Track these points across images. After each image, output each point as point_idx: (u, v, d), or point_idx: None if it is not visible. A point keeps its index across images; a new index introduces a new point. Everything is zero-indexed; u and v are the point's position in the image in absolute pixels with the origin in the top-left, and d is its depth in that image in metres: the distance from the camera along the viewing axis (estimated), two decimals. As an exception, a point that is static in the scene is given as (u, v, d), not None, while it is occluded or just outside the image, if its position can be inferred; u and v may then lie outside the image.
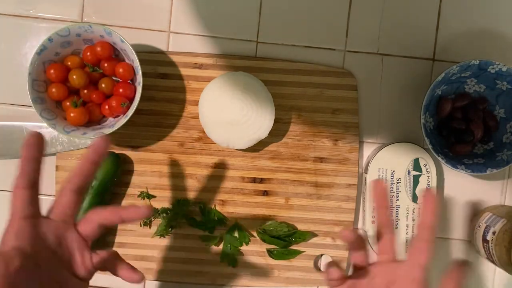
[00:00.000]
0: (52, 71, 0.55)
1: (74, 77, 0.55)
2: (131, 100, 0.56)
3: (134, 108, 0.54)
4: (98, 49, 0.55)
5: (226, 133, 0.56)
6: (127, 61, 0.58)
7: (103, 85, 0.57)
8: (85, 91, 0.57)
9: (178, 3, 0.61)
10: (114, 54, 0.58)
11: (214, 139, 0.57)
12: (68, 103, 0.56)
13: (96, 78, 0.57)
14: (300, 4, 0.61)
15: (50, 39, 0.54)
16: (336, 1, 0.61)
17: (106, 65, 0.57)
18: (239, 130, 0.56)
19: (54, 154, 0.60)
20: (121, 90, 0.56)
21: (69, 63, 0.56)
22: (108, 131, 0.54)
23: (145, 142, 0.60)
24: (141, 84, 0.54)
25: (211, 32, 0.61)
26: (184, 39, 0.61)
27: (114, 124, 0.55)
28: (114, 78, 0.58)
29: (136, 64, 0.55)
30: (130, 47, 0.54)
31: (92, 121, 0.58)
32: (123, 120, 0.55)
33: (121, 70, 0.56)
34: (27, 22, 0.61)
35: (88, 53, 0.56)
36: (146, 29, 0.61)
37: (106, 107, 0.57)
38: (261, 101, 0.56)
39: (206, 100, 0.57)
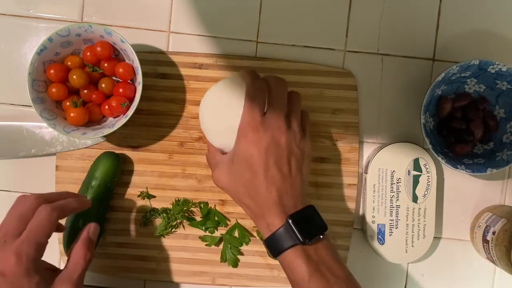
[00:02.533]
0: (52, 71, 0.55)
1: (74, 77, 0.55)
2: (131, 100, 0.56)
3: (134, 108, 0.54)
4: (98, 49, 0.55)
5: (227, 139, 0.56)
6: (127, 61, 0.58)
7: (103, 85, 0.57)
8: (85, 91, 0.57)
9: (178, 3, 0.61)
10: (114, 54, 0.58)
11: (215, 145, 0.56)
12: (68, 103, 0.56)
13: (96, 78, 0.57)
14: (300, 4, 0.61)
15: (50, 39, 0.53)
16: (336, 1, 0.61)
17: (106, 65, 0.57)
18: None
19: (54, 154, 0.60)
20: (121, 90, 0.56)
21: (69, 63, 0.56)
22: (108, 131, 0.54)
23: (145, 142, 0.60)
24: (141, 84, 0.54)
25: (211, 32, 0.61)
26: (184, 39, 0.61)
27: (114, 124, 0.55)
28: (114, 78, 0.58)
29: (136, 64, 0.54)
30: (130, 47, 0.54)
31: (92, 121, 0.58)
32: (123, 120, 0.54)
33: (121, 70, 0.56)
34: (27, 22, 0.61)
35: (88, 53, 0.56)
36: (146, 29, 0.61)
37: (106, 107, 0.57)
38: None
39: (206, 107, 0.56)
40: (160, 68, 0.60)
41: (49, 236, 0.44)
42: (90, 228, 0.49)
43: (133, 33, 0.61)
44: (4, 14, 0.61)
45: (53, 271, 0.47)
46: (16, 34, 0.61)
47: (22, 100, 0.61)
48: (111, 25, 0.60)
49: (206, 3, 0.61)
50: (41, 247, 0.43)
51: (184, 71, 0.60)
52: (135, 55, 0.54)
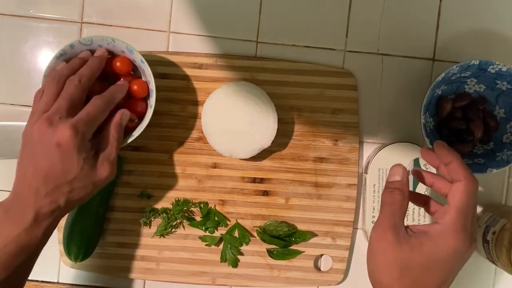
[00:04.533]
0: None
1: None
2: (140, 118, 0.56)
3: (142, 129, 0.54)
4: (118, 64, 0.55)
5: (230, 143, 0.56)
6: (143, 79, 0.57)
7: None
8: None
9: (178, 3, 0.61)
10: (132, 70, 0.57)
11: (218, 149, 0.57)
12: None
13: None
14: (300, 4, 0.61)
15: (71, 46, 0.53)
16: (336, 1, 0.61)
17: (122, 80, 0.56)
18: (242, 140, 0.56)
19: (54, 154, 0.60)
20: (132, 106, 0.56)
21: None
22: None
23: (145, 142, 0.60)
24: (153, 107, 0.54)
25: (211, 32, 0.61)
26: (184, 39, 0.61)
27: None
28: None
29: (152, 86, 0.54)
30: (149, 69, 0.53)
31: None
32: (128, 138, 0.54)
33: (135, 87, 0.56)
34: (27, 22, 0.61)
35: (106, 65, 0.56)
36: (146, 29, 0.61)
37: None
38: (264, 110, 0.56)
39: (209, 110, 0.57)
40: (160, 68, 0.60)
41: (101, 120, 0.49)
42: (123, 113, 0.52)
43: (133, 33, 0.61)
44: (4, 14, 0.61)
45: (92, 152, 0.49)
46: (16, 34, 0.61)
47: (22, 100, 0.61)
48: (111, 25, 0.61)
49: (206, 3, 0.61)
50: (94, 127, 0.48)
51: (184, 71, 0.60)
52: (153, 78, 0.53)
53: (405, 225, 0.42)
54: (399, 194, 0.42)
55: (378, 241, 0.41)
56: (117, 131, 0.51)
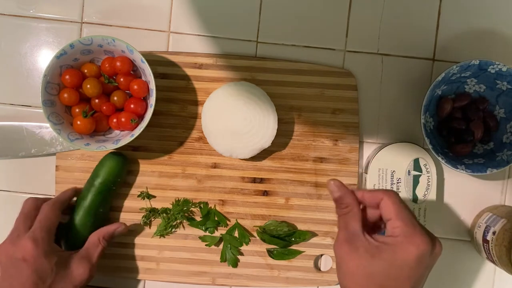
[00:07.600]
0: (67, 76, 0.54)
1: (88, 86, 0.55)
2: (141, 117, 0.56)
3: (142, 129, 0.54)
4: (118, 63, 0.55)
5: (230, 143, 0.56)
6: (143, 79, 0.57)
7: (115, 98, 0.57)
8: (97, 100, 0.56)
9: (178, 3, 0.61)
10: (132, 70, 0.57)
11: (218, 149, 0.57)
12: (77, 110, 0.56)
13: (109, 89, 0.57)
14: (300, 4, 0.61)
15: (71, 45, 0.53)
16: (336, 1, 0.61)
17: (122, 79, 0.56)
18: (242, 140, 0.56)
19: (54, 154, 0.60)
20: (132, 106, 0.56)
21: (85, 71, 0.56)
22: (111, 147, 0.54)
23: (145, 142, 0.60)
24: (153, 107, 0.54)
25: (211, 32, 0.61)
26: (184, 39, 0.61)
27: (119, 140, 0.55)
28: (127, 92, 0.58)
29: (152, 86, 0.54)
30: (149, 69, 0.53)
31: (97, 131, 0.57)
32: (128, 138, 0.54)
33: (135, 86, 0.56)
34: (27, 22, 0.61)
35: (106, 64, 0.56)
36: (146, 29, 0.61)
37: (115, 120, 0.56)
38: (264, 110, 0.56)
39: (209, 110, 0.57)
40: (160, 68, 0.60)
41: (55, 223, 0.52)
42: (120, 227, 0.57)
43: (133, 33, 0.61)
44: (4, 14, 0.61)
45: (67, 252, 0.53)
46: (16, 34, 0.61)
47: (22, 100, 0.61)
48: (111, 25, 0.61)
49: (206, 3, 0.61)
50: (51, 231, 0.52)
51: (184, 71, 0.60)
52: (153, 78, 0.53)
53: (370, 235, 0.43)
54: (345, 206, 0.44)
55: (337, 253, 0.43)
56: (107, 238, 0.55)
